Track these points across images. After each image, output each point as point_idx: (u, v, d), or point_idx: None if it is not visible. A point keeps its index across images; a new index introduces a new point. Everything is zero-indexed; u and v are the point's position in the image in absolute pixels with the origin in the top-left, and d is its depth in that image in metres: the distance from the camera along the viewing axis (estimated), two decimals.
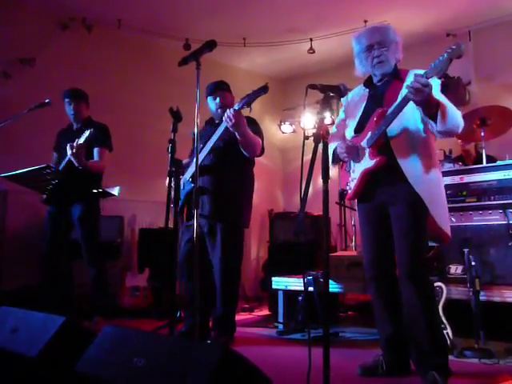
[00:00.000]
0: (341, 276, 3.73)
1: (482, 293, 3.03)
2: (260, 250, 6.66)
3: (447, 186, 3.49)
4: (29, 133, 4.61)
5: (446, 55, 2.17)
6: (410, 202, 2.43)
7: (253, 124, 3.45)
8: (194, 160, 2.67)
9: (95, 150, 4.00)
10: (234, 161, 3.40)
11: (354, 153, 2.59)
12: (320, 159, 2.01)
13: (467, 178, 3.48)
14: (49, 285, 3.96)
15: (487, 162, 3.75)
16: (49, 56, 5.13)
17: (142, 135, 5.58)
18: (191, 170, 3.40)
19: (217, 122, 3.51)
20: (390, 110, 2.45)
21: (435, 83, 2.33)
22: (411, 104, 2.35)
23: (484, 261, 3.28)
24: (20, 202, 4.68)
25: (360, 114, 2.66)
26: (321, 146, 2.03)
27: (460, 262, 3.33)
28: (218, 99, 3.50)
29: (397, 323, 2.58)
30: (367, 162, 2.54)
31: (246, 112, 3.19)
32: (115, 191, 3.95)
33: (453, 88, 5.26)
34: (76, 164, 3.75)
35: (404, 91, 2.36)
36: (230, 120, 3.10)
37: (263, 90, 2.97)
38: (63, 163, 3.83)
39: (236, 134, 3.20)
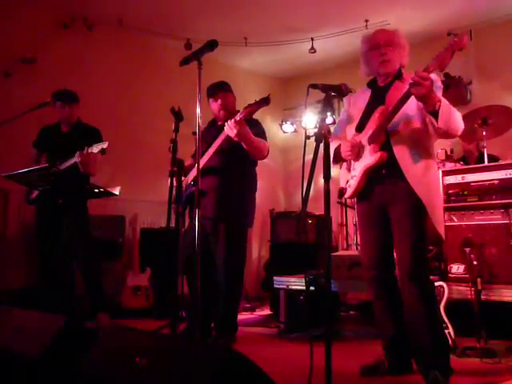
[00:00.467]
0: (342, 275, 3.73)
1: (483, 292, 3.03)
2: (261, 249, 6.65)
3: (449, 186, 3.50)
4: (29, 133, 4.60)
5: (447, 47, 2.17)
6: (410, 203, 2.43)
7: (256, 125, 3.45)
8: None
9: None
10: (237, 162, 3.40)
11: (357, 151, 2.59)
12: (321, 159, 2.00)
13: (469, 178, 3.48)
14: (48, 284, 3.96)
15: (489, 162, 3.74)
16: (50, 55, 5.13)
17: (143, 135, 5.58)
18: (193, 172, 3.40)
19: (219, 123, 3.51)
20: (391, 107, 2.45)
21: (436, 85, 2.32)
22: (413, 102, 2.35)
23: (486, 260, 3.27)
24: (21, 201, 4.68)
25: (362, 112, 2.65)
26: (322, 145, 2.02)
27: (462, 262, 3.33)
28: (218, 100, 3.50)
29: (398, 323, 2.58)
30: (368, 159, 2.53)
31: None
32: (116, 191, 3.95)
33: (454, 87, 5.25)
34: (81, 169, 3.76)
35: None
36: (232, 130, 3.11)
37: (265, 101, 3.05)
38: (64, 165, 3.81)
39: (242, 143, 3.21)
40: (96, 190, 3.94)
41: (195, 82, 2.60)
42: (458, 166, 3.87)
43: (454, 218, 3.42)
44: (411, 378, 2.52)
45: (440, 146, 3.99)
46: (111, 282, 4.60)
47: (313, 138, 2.05)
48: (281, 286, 3.99)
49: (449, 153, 4.17)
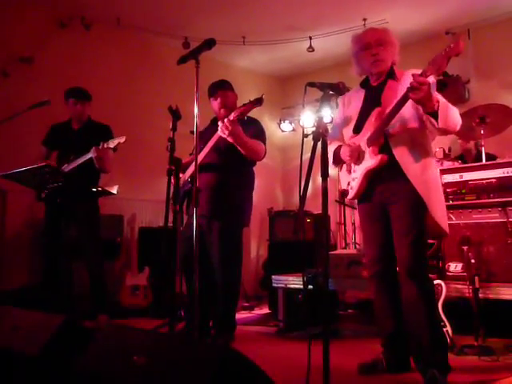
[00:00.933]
0: (340, 274, 3.74)
1: (481, 290, 3.04)
2: (260, 248, 6.66)
3: (447, 184, 3.50)
4: (28, 132, 4.60)
5: (443, 53, 2.17)
6: (410, 201, 2.44)
7: (255, 125, 3.45)
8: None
9: None
10: (235, 160, 3.38)
11: (357, 155, 2.60)
12: (319, 157, 2.01)
13: (466, 176, 3.48)
14: (49, 283, 3.96)
15: (487, 160, 3.75)
16: (47, 55, 5.12)
17: (141, 134, 5.57)
18: (191, 169, 3.40)
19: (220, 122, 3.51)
20: (388, 109, 2.45)
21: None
22: (409, 103, 2.36)
23: (483, 258, 3.28)
24: (19, 201, 4.68)
25: (358, 114, 2.66)
26: (320, 144, 2.03)
27: (459, 260, 3.33)
28: (218, 99, 3.50)
29: (397, 320, 2.59)
30: (368, 161, 2.54)
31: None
32: (114, 190, 3.95)
33: (452, 86, 5.26)
34: (97, 165, 3.76)
35: (400, 90, 2.38)
36: (226, 130, 3.11)
37: (258, 101, 3.06)
38: (77, 163, 3.82)
39: (235, 144, 3.20)
40: (94, 189, 3.94)
41: (193, 81, 2.60)
42: (456, 164, 3.88)
43: (452, 217, 3.42)
44: (409, 377, 2.52)
45: (438, 145, 3.99)
46: (110, 282, 4.59)
47: (310, 137, 2.05)
48: (279, 285, 3.99)
49: (447, 151, 4.18)
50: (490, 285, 3.17)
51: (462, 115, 2.43)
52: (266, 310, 4.95)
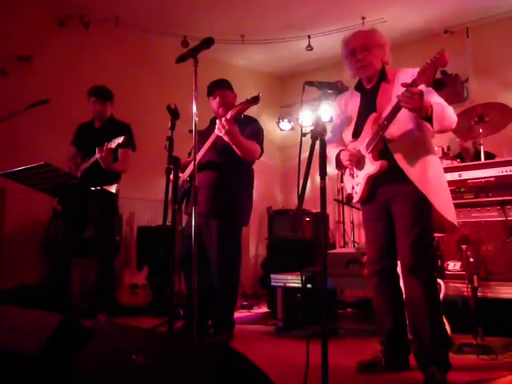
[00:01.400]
0: (339, 273, 3.74)
1: (479, 289, 3.04)
2: (258, 247, 6.66)
3: None
4: (27, 131, 4.59)
5: (429, 62, 2.16)
6: (413, 200, 2.44)
7: (252, 124, 3.45)
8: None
9: (119, 151, 4.01)
10: (234, 159, 3.37)
11: (356, 161, 2.61)
12: (317, 156, 2.01)
13: (465, 175, 3.49)
14: (54, 280, 3.96)
15: (485, 159, 3.75)
16: (46, 53, 5.12)
17: (139, 133, 5.52)
18: (190, 168, 3.40)
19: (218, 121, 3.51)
20: (384, 116, 2.46)
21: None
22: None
23: (482, 257, 3.28)
24: (18, 200, 4.67)
25: (355, 118, 2.66)
26: (318, 143, 2.03)
27: (458, 259, 3.34)
28: (217, 98, 3.49)
29: (397, 318, 2.60)
30: (369, 167, 2.55)
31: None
32: (113, 189, 3.95)
33: (450, 85, 5.26)
34: (103, 166, 3.77)
35: (394, 92, 2.39)
36: (222, 128, 3.12)
37: (254, 100, 3.07)
38: (89, 163, 3.85)
39: (230, 143, 3.20)
40: (92, 189, 3.94)
41: (192, 80, 2.60)
42: (455, 163, 3.88)
43: None
44: (408, 375, 2.52)
45: (437, 144, 3.98)
46: None
47: (309, 136, 2.05)
48: (278, 284, 3.99)
49: (445, 150, 4.18)
50: (489, 283, 3.17)
51: (461, 114, 2.45)
52: (264, 309, 4.96)
